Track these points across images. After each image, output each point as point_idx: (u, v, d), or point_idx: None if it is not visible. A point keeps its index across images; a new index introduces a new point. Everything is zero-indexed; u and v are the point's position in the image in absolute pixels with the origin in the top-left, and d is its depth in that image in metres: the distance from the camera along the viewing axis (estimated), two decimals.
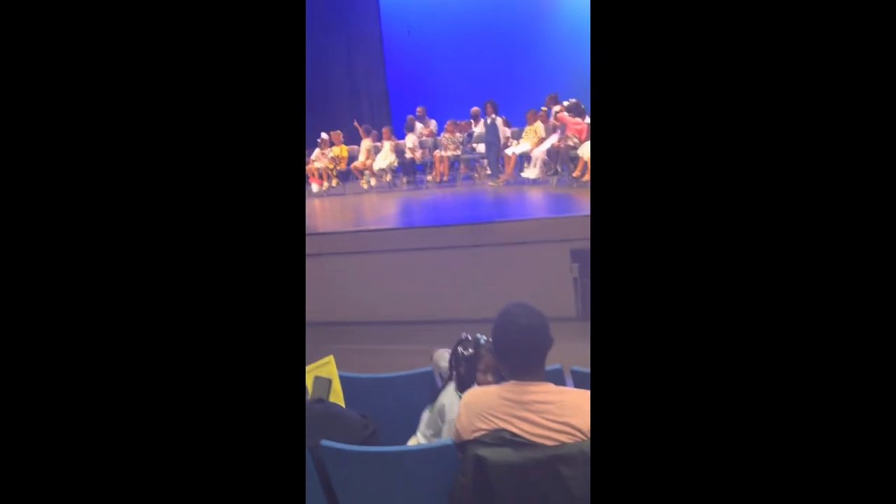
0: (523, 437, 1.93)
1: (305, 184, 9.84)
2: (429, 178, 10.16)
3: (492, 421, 1.97)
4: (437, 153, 10.05)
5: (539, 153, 8.75)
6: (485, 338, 2.43)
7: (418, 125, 10.75)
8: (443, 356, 2.65)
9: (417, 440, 2.51)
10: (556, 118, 8.72)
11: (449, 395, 2.48)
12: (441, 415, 2.48)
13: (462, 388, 2.42)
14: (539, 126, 9.15)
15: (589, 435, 1.89)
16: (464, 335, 2.50)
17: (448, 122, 10.13)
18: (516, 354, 2.01)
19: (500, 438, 1.95)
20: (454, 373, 2.48)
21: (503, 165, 9.39)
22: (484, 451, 1.95)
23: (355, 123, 10.99)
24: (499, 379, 2.37)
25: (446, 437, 2.38)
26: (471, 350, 2.44)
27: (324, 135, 10.62)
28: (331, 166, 10.51)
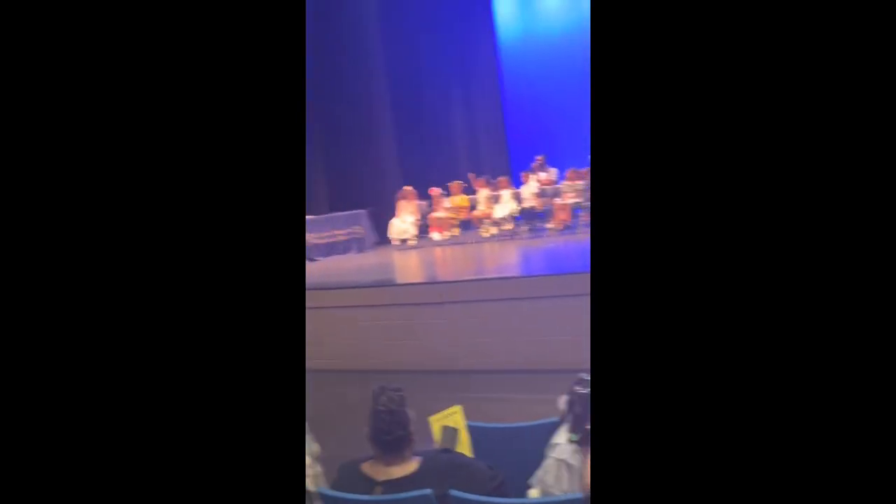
0: None
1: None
2: (549, 225, 10.14)
3: None
4: (557, 201, 10.03)
5: None
6: None
7: (539, 173, 10.79)
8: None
9: (536, 487, 2.50)
10: None
11: (561, 435, 2.46)
12: (549, 451, 2.47)
13: (575, 428, 2.40)
14: None
15: None
16: (581, 375, 2.49)
17: (569, 170, 10.12)
18: None
19: None
20: (570, 414, 2.46)
21: None
22: None
23: (470, 176, 11.15)
24: None
25: (554, 473, 2.37)
26: (588, 390, 2.42)
27: (434, 190, 10.83)
28: (451, 216, 10.68)
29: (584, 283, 6.61)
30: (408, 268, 9.16)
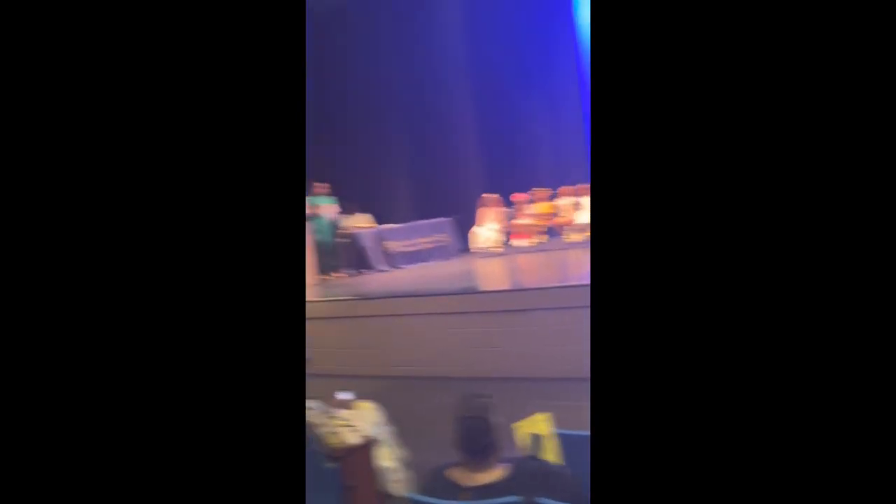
0: None
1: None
2: None
3: None
4: None
5: None
6: None
7: None
8: None
9: None
10: None
11: None
12: None
13: None
14: None
15: None
16: None
17: None
18: None
19: None
20: None
21: None
22: None
23: (538, 190, 11.09)
24: None
25: None
26: None
27: (518, 196, 10.80)
28: (535, 223, 10.64)
29: None
30: (492, 275, 9.16)
